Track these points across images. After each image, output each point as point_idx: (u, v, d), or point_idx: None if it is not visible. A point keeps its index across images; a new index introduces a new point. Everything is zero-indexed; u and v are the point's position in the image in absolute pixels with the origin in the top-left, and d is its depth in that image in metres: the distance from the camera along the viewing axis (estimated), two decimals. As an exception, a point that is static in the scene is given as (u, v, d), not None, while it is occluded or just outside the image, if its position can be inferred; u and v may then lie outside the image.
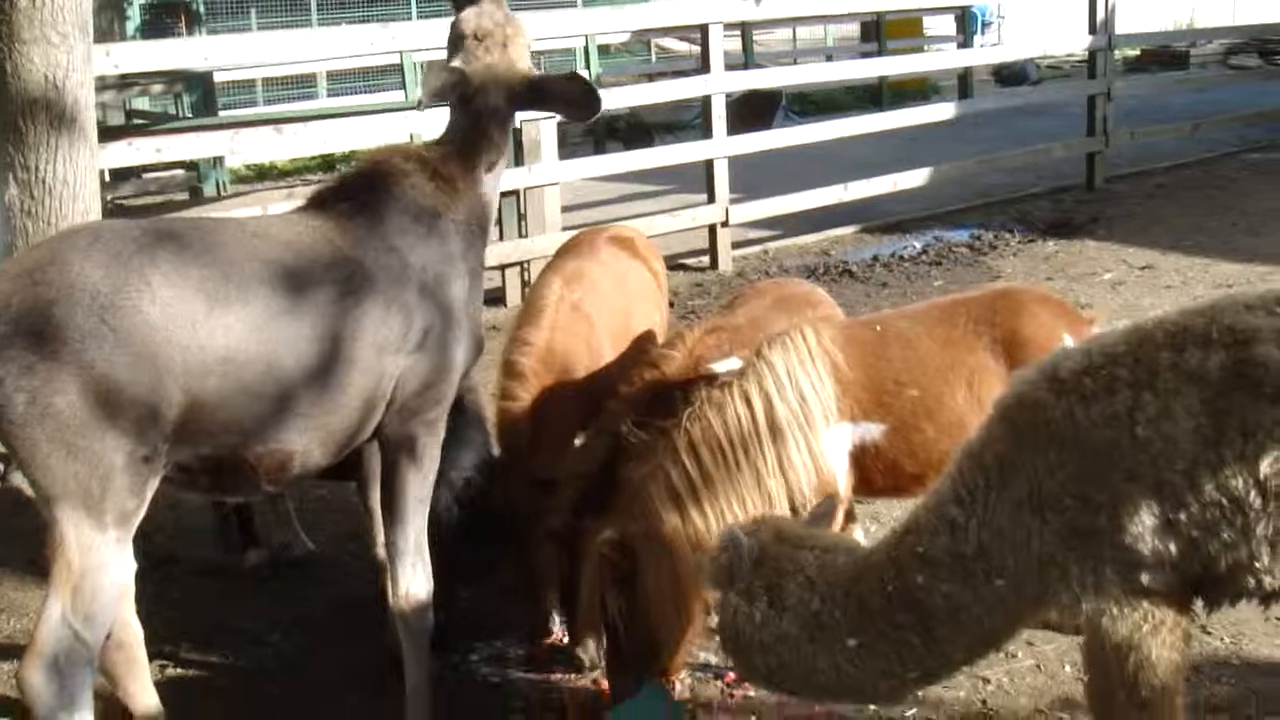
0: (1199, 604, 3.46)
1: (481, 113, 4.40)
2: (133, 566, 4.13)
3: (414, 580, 4.28)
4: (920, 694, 4.68)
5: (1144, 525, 3.26)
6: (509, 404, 5.21)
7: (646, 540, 4.57)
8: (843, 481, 4.79)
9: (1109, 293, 10.26)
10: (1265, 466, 3.15)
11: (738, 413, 4.62)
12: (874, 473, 4.82)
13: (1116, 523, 3.28)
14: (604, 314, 5.67)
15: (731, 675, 4.98)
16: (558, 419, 5.19)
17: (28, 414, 3.43)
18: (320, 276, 3.93)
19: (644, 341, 5.81)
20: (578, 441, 5.25)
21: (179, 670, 5.20)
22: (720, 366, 4.95)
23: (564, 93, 4.50)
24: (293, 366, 3.81)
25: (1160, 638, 3.36)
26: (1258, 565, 3.26)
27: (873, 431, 4.78)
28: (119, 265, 3.55)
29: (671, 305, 10.14)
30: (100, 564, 3.58)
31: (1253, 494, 3.17)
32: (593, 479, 4.95)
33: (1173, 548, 3.26)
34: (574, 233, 6.95)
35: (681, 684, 4.94)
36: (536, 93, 4.46)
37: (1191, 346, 3.26)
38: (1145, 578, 3.30)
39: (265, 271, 3.81)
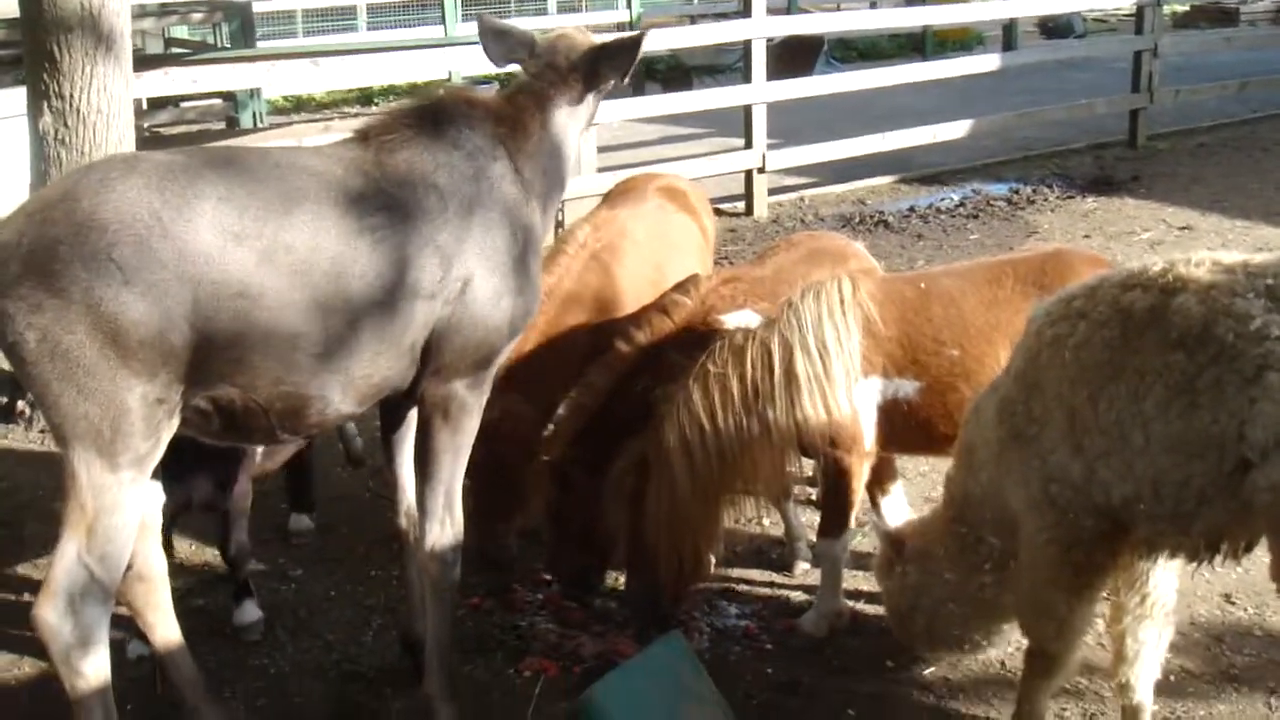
0: (1131, 552, 3.79)
1: (553, 62, 4.32)
2: (157, 502, 4.14)
3: (441, 538, 4.19)
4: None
5: (1056, 442, 3.63)
6: None
7: (656, 464, 4.67)
8: (869, 435, 4.76)
9: (1146, 252, 10.14)
10: (1149, 407, 3.39)
11: (754, 358, 4.63)
12: (906, 429, 4.79)
13: (1042, 433, 3.68)
14: (628, 264, 5.64)
15: (751, 627, 5.00)
16: (542, 361, 5.25)
17: (38, 352, 3.40)
18: (345, 210, 3.75)
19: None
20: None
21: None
22: (729, 318, 4.92)
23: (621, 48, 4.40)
24: (307, 305, 3.65)
25: (1054, 551, 3.73)
26: (1142, 508, 3.47)
27: (906, 388, 4.74)
28: (128, 202, 3.46)
29: (705, 252, 10.11)
30: (113, 504, 3.54)
31: (1136, 432, 3.42)
32: (591, 414, 5.00)
33: (1076, 470, 3.58)
34: (609, 175, 6.86)
35: (701, 635, 4.95)
36: (602, 50, 4.36)
37: (1138, 288, 3.51)
38: (1054, 489, 3.66)
39: (284, 204, 3.65)
